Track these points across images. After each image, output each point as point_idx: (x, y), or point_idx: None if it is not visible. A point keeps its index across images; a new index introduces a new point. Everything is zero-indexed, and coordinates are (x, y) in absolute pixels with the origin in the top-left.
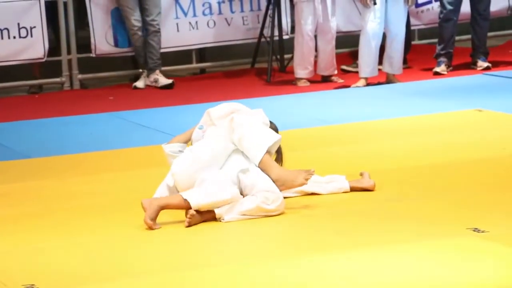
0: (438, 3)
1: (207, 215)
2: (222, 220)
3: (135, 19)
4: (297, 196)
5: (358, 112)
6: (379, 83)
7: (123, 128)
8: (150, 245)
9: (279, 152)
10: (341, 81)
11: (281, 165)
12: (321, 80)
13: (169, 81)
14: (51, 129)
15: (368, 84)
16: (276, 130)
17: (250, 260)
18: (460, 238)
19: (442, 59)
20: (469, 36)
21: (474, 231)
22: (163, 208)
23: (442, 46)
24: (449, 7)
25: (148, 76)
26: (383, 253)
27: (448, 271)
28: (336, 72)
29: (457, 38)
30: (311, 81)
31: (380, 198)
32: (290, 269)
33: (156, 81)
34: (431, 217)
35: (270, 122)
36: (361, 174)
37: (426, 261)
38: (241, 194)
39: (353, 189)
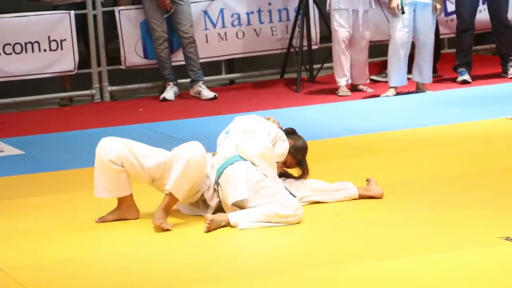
0: None
1: (224, 221)
2: (237, 227)
3: (162, 30)
4: (305, 205)
5: (388, 122)
6: (408, 92)
7: (153, 139)
8: (169, 254)
9: (303, 164)
10: (371, 90)
11: (307, 176)
12: (350, 89)
13: (212, 94)
14: (82, 141)
15: (397, 93)
16: (302, 149)
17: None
18: (492, 247)
19: (463, 68)
20: (487, 46)
21: (506, 240)
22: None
23: (461, 56)
24: (467, 17)
25: (192, 87)
26: (414, 263)
27: (480, 281)
28: (368, 81)
29: (477, 48)
30: None
31: (411, 206)
32: (314, 280)
33: (199, 93)
34: (462, 226)
35: (294, 134)
36: (368, 181)
37: (458, 271)
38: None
39: (361, 197)
